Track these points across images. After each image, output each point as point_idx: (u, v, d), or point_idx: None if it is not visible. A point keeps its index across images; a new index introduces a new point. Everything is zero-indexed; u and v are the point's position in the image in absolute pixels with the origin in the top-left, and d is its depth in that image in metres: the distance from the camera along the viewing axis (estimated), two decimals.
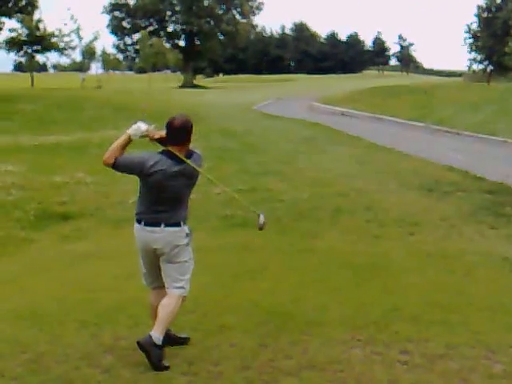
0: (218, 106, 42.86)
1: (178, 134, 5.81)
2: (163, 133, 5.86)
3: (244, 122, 31.97)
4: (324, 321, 6.81)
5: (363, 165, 18.13)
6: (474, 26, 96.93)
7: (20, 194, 14.24)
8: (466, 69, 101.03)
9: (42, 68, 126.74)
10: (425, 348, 6.17)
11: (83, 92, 51.05)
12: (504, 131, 26.39)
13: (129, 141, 5.86)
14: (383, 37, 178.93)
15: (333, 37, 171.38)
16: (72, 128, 28.31)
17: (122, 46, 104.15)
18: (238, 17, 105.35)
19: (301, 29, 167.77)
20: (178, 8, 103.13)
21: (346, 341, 6.33)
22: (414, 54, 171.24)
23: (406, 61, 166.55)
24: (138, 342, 5.78)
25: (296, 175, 16.34)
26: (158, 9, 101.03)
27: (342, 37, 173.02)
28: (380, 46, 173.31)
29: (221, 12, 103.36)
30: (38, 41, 64.97)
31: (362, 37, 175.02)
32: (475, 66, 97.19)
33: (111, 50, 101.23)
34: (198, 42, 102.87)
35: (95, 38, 74.06)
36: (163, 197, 5.82)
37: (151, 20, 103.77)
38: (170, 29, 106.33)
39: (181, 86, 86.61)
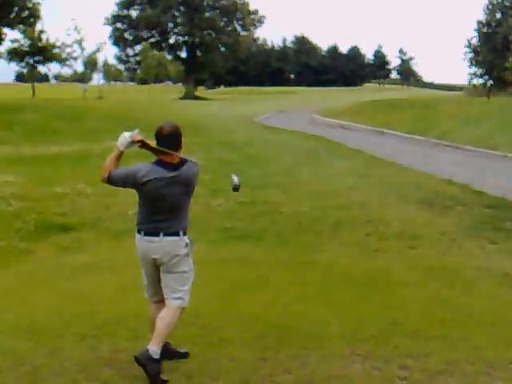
0: (219, 118, 42.90)
1: (168, 141, 5.82)
2: (153, 142, 5.88)
3: (245, 134, 31.97)
4: (324, 335, 6.79)
5: (363, 178, 18.11)
6: (474, 41, 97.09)
7: (20, 204, 14.21)
8: (466, 83, 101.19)
9: (44, 78, 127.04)
10: (425, 363, 6.14)
11: (84, 102, 51.09)
12: (504, 146, 26.37)
13: (119, 152, 5.91)
14: (384, 50, 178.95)
15: (334, 50, 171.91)
16: (73, 139, 28.30)
17: (123, 57, 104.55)
18: (239, 29, 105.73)
19: (302, 41, 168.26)
20: (179, 20, 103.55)
21: (345, 355, 6.31)
22: (414, 67, 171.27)
23: (407, 74, 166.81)
24: (135, 357, 5.76)
25: (296, 188, 16.32)
26: (159, 20, 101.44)
27: (343, 50, 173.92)
28: (381, 60, 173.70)
29: (222, 24, 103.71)
30: (39, 51, 65.11)
31: (362, 50, 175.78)
32: (475, 81, 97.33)
33: (113, 61, 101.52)
34: (199, 54, 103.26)
35: (98, 50, 74.21)
36: (160, 206, 5.84)
37: (153, 31, 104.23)
38: (172, 40, 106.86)
39: (182, 98, 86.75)
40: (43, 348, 6.43)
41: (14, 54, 66.77)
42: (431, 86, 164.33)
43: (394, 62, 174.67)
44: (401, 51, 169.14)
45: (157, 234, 5.85)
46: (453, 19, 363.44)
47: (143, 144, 5.91)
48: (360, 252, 10.69)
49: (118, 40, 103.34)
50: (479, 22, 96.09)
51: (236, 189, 6.23)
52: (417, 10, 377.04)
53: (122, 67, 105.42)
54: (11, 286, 9.16)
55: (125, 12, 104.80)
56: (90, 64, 78.20)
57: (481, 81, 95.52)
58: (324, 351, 6.38)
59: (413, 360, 6.20)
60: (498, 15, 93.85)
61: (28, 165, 19.88)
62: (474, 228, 12.35)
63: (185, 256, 5.94)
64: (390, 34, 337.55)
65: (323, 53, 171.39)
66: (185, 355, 6.27)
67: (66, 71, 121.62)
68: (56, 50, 65.70)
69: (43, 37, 64.90)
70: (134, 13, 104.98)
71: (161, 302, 6.07)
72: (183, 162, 5.90)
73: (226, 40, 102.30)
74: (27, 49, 65.16)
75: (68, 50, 66.75)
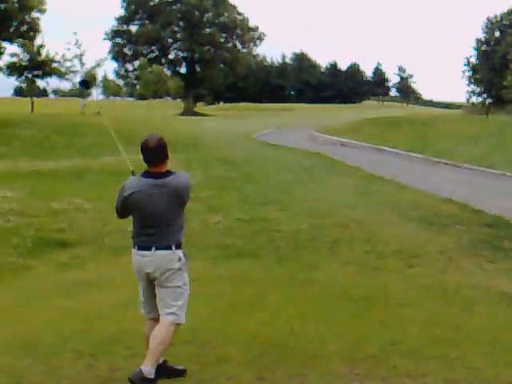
0: (218, 134, 42.92)
1: (154, 154, 5.92)
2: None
3: (244, 150, 31.99)
4: (322, 354, 6.77)
5: (362, 196, 18.11)
6: (473, 59, 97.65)
7: (18, 220, 14.19)
8: (464, 101, 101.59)
9: (43, 93, 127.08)
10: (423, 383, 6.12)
11: (83, 118, 51.07)
12: (502, 164, 26.40)
13: None
14: (383, 68, 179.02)
15: (333, 67, 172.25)
16: (71, 154, 28.35)
17: (122, 72, 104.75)
18: (238, 45, 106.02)
19: (301, 58, 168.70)
20: (179, 35, 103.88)
21: (343, 375, 6.29)
22: (413, 85, 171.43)
23: (406, 92, 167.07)
24: (129, 378, 5.75)
25: (295, 205, 16.31)
26: (159, 36, 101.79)
27: (343, 67, 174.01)
28: (380, 77, 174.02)
29: (222, 40, 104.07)
30: (38, 66, 65.09)
31: (362, 67, 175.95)
32: (474, 99, 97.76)
33: (112, 76, 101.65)
34: (198, 70, 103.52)
35: (98, 65, 74.20)
36: (148, 217, 5.92)
37: (153, 47, 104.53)
38: (172, 56, 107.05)
39: (181, 114, 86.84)
40: (41, 365, 6.40)
41: (13, 69, 66.72)
42: (430, 103, 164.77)
43: (393, 79, 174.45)
44: (400, 68, 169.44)
45: (149, 248, 5.91)
46: (452, 37, 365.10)
47: None
48: (358, 270, 10.67)
49: (118, 55, 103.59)
50: (478, 41, 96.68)
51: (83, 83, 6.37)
52: (416, 27, 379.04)
53: (121, 82, 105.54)
54: (8, 302, 9.13)
55: (124, 27, 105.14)
56: (89, 79, 78.18)
57: (479, 99, 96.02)
58: (322, 370, 6.36)
59: (411, 380, 6.18)
60: (497, 34, 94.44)
61: (26, 180, 19.88)
62: (472, 247, 12.34)
63: (178, 270, 5.95)
64: (389, 52, 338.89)
65: (323, 70, 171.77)
66: (182, 372, 6.24)
67: (65, 86, 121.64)
68: (55, 65, 65.64)
69: (42, 51, 64.88)
70: (133, 28, 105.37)
71: (157, 319, 6.06)
72: (170, 172, 5.97)
73: (225, 56, 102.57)
74: (26, 63, 65.12)
75: (67, 64, 66.68)
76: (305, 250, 12.04)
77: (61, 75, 66.97)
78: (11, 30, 54.19)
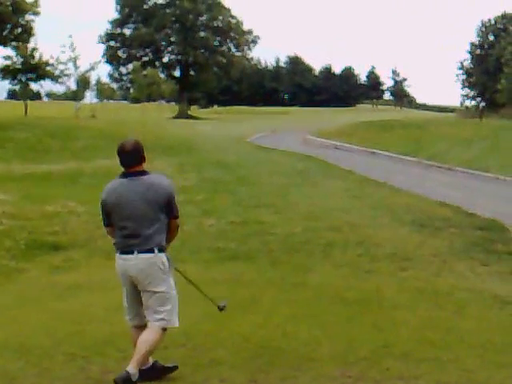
0: (212, 138, 42.89)
1: (130, 157, 6.01)
2: None
3: (238, 154, 31.97)
4: (315, 356, 6.77)
5: (356, 199, 18.14)
6: (467, 63, 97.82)
7: (11, 223, 14.15)
8: (458, 104, 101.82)
9: (36, 96, 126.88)
10: None
11: (77, 121, 50.98)
12: (496, 168, 26.49)
13: None
14: (377, 71, 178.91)
15: (327, 70, 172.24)
16: (64, 157, 28.29)
17: (116, 75, 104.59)
18: (233, 49, 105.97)
19: (295, 62, 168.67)
20: (173, 39, 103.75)
21: (336, 377, 6.29)
22: (407, 88, 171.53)
23: (400, 95, 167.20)
24: (114, 380, 5.75)
25: (289, 208, 16.32)
26: (153, 39, 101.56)
27: (337, 70, 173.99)
28: (374, 81, 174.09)
29: (216, 44, 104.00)
30: (32, 69, 64.92)
31: (356, 71, 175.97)
32: (468, 102, 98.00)
33: (106, 79, 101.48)
34: (193, 73, 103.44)
35: (92, 69, 74.04)
36: (128, 220, 5.96)
37: (147, 50, 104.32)
38: (166, 59, 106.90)
39: (175, 117, 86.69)
40: (33, 368, 6.40)
41: (7, 72, 66.52)
42: (424, 107, 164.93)
43: (387, 82, 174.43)
44: (394, 72, 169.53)
45: (131, 252, 5.95)
46: (446, 41, 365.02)
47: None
48: (351, 273, 10.68)
49: (112, 58, 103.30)
50: (472, 44, 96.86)
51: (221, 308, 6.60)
52: (410, 31, 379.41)
53: (115, 86, 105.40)
54: (1, 305, 9.10)
55: (118, 30, 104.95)
56: (83, 82, 78.01)
57: (473, 102, 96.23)
58: (315, 373, 6.36)
59: (404, 382, 6.19)
60: (491, 37, 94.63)
61: (19, 183, 19.85)
62: (465, 250, 12.36)
63: (162, 275, 5.95)
64: (383, 55, 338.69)
65: (317, 73, 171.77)
66: (173, 369, 6.26)
67: (59, 89, 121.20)
68: (49, 68, 65.48)
69: (36, 54, 64.71)
70: (127, 31, 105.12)
71: (141, 327, 6.07)
72: (146, 172, 6.05)
73: (219, 59, 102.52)
74: (20, 66, 64.94)
75: (61, 67, 66.50)
76: (298, 253, 12.04)
77: (54, 78, 66.81)
78: (5, 33, 54.00)
